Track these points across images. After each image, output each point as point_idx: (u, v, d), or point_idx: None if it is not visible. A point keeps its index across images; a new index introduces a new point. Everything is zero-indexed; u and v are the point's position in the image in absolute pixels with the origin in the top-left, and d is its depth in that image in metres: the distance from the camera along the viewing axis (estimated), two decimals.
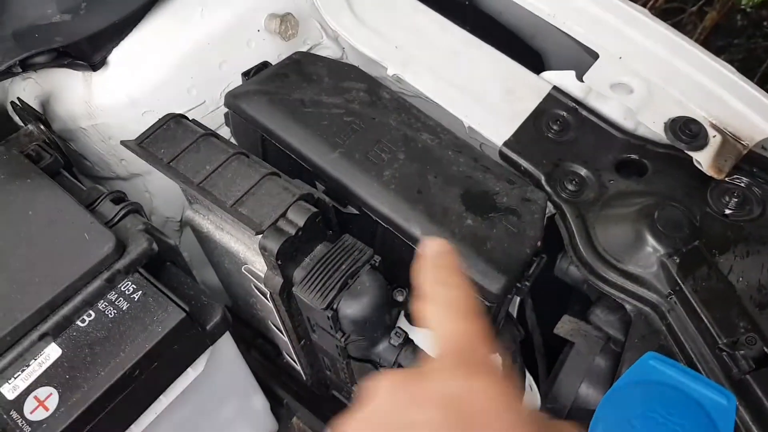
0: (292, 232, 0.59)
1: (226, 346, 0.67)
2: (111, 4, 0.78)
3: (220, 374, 0.67)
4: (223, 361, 0.66)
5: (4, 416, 0.51)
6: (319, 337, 0.69)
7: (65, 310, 0.55)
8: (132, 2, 0.79)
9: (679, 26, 1.87)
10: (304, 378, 0.84)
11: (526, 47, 1.08)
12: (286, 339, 0.75)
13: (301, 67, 0.79)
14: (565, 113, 0.80)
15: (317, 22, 0.95)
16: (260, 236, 0.60)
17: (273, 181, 0.63)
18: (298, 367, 0.82)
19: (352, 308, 0.59)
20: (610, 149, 0.78)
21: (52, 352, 0.54)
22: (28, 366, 0.53)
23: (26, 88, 0.85)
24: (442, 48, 0.85)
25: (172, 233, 0.97)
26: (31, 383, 0.53)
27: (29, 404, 0.51)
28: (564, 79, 0.82)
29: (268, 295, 0.67)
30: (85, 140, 0.85)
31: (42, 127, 0.74)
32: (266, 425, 0.80)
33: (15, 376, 0.53)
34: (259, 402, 0.75)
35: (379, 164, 0.69)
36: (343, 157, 0.69)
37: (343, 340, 0.62)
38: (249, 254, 0.68)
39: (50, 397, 0.51)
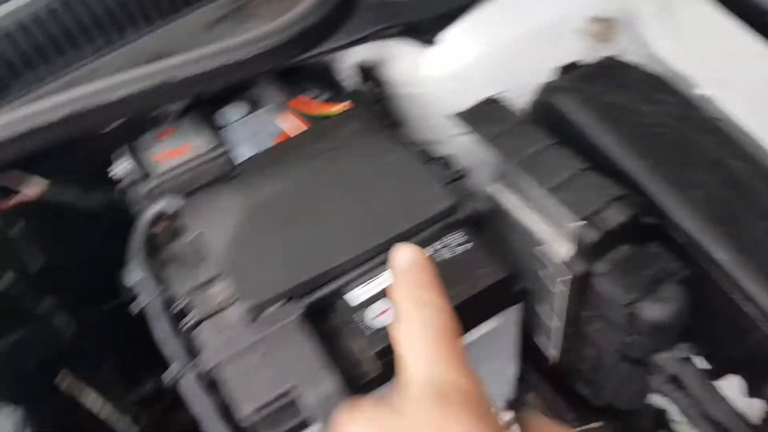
0: (611, 226, 0.63)
1: (514, 310, 0.73)
2: None
3: (501, 335, 0.73)
4: (506, 324, 0.72)
5: (348, 319, 0.61)
6: (596, 330, 0.73)
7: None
8: None
9: None
10: (549, 359, 0.88)
11: None
12: (554, 319, 0.79)
13: (613, 71, 0.83)
14: None
15: (628, 28, 0.97)
16: (574, 224, 0.65)
17: (594, 176, 0.68)
18: (548, 347, 0.86)
19: (653, 312, 0.62)
20: None
21: (389, 278, 0.64)
22: (370, 282, 0.63)
23: (361, 51, 0.97)
24: (763, 78, 0.84)
25: None
26: (372, 296, 0.62)
27: (370, 312, 0.61)
28: None
29: (558, 281, 0.71)
30: (403, 105, 0.96)
31: (381, 88, 0.85)
32: (507, 393, 0.86)
33: (359, 286, 0.63)
34: (511, 370, 0.81)
35: (689, 182, 0.71)
36: (651, 168, 0.72)
37: (631, 339, 0.66)
38: (547, 236, 0.73)
39: (386, 312, 0.61)
